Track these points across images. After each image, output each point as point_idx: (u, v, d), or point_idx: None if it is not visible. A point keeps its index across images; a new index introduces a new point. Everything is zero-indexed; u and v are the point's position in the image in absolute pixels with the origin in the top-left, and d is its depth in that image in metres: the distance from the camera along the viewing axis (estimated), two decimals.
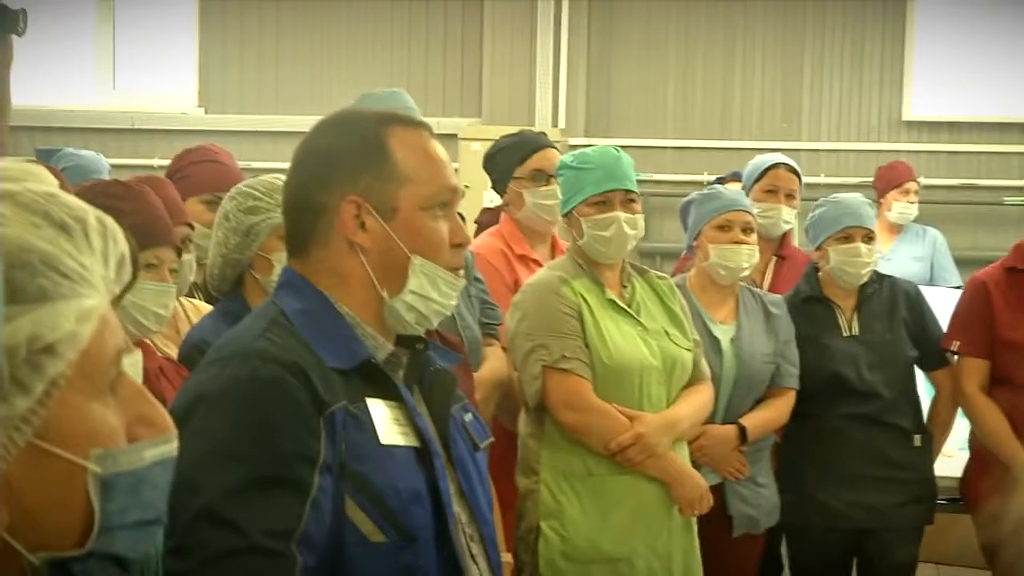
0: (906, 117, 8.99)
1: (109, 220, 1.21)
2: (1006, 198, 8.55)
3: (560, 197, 4.13)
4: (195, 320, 3.66)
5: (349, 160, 2.27)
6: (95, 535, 1.14)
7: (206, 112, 9.62)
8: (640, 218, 4.07)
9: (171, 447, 1.22)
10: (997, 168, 8.70)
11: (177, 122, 9.40)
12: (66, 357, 1.11)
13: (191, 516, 1.97)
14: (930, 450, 4.76)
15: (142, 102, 9.73)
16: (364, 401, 2.19)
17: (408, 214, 2.26)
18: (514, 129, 5.25)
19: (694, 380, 4.06)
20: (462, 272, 2.38)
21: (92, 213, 1.19)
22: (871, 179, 7.24)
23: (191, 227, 3.90)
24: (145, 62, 9.82)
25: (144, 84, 9.81)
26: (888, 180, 7.15)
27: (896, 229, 7.06)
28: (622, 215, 3.97)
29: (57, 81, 9.59)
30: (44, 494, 1.11)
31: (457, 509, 2.28)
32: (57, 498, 1.12)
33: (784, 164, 5.33)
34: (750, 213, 4.58)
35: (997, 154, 8.73)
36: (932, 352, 4.77)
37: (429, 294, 2.28)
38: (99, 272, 1.16)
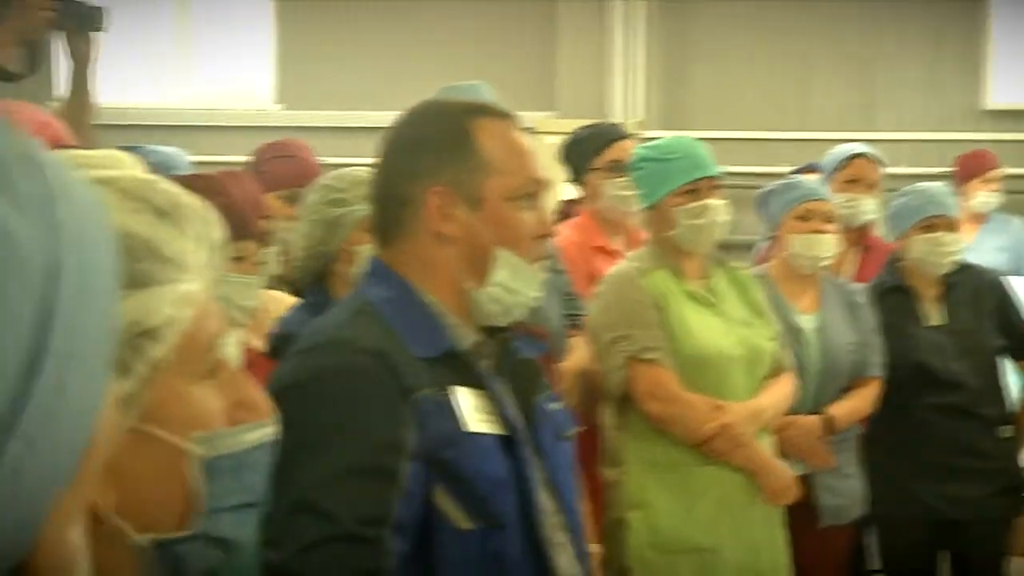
0: (986, 106, 8.87)
1: (206, 205, 1.22)
2: None
3: (639, 190, 4.10)
4: (277, 313, 3.68)
5: (435, 150, 2.29)
6: (198, 517, 1.15)
7: (284, 108, 9.67)
8: (727, 205, 4.05)
9: (271, 431, 1.24)
10: None
11: (255, 118, 9.44)
12: (167, 341, 1.13)
13: (284, 506, 1.99)
14: (1018, 441, 4.71)
15: (221, 99, 9.80)
16: (450, 389, 2.20)
17: (494, 205, 2.27)
18: (589, 122, 5.25)
19: (776, 370, 4.04)
20: (545, 264, 2.39)
21: (189, 199, 1.20)
22: (951, 169, 7.15)
23: (273, 220, 3.92)
24: (223, 59, 9.88)
25: (223, 81, 9.87)
26: (970, 169, 7.05)
27: (979, 219, 6.96)
28: (713, 202, 3.95)
29: (137, 79, 9.68)
30: (148, 477, 1.13)
31: (543, 497, 2.28)
32: (161, 480, 1.14)
33: (865, 154, 5.29)
34: (830, 202, 4.55)
35: None
36: (1019, 342, 4.72)
37: (513, 286, 2.29)
38: (197, 257, 1.17)
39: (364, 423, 2.11)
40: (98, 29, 3.70)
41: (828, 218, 4.47)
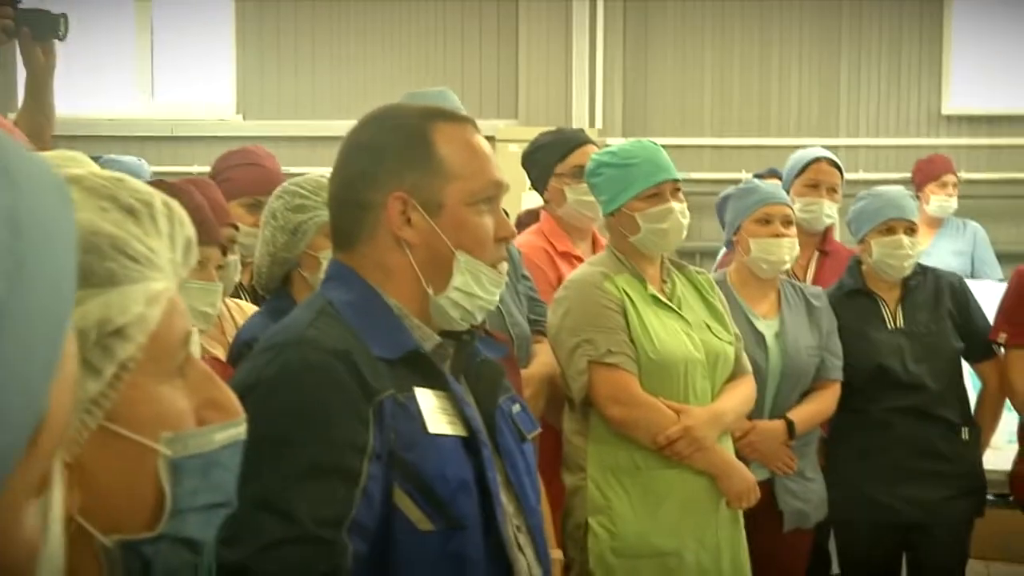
0: (945, 111, 8.94)
1: (175, 204, 1.22)
2: None
3: (600, 196, 4.10)
4: (240, 321, 3.68)
5: (395, 156, 2.29)
6: (166, 518, 1.14)
7: (244, 119, 9.66)
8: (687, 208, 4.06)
9: (240, 430, 1.23)
10: None
11: (216, 129, 9.44)
12: (136, 340, 1.12)
13: (244, 504, 1.98)
14: (978, 443, 4.74)
15: (181, 110, 9.77)
16: (412, 390, 2.21)
17: (454, 209, 2.28)
18: (551, 128, 5.25)
19: (736, 373, 4.04)
20: (505, 267, 2.39)
21: (159, 197, 1.20)
22: (911, 175, 7.20)
23: (236, 228, 3.91)
24: (183, 70, 9.87)
25: (182, 92, 9.85)
26: (925, 173, 7.12)
27: (936, 223, 7.02)
28: (676, 205, 3.96)
29: (96, 90, 9.65)
30: (115, 477, 1.12)
31: (504, 499, 2.29)
32: (128, 481, 1.13)
33: (826, 158, 5.32)
34: (789, 206, 4.58)
35: None
36: (978, 344, 4.75)
37: (473, 290, 2.30)
38: (166, 255, 1.17)
39: (326, 422, 2.10)
40: (57, 37, 3.66)
41: (787, 221, 4.49)
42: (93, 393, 1.09)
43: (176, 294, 1.17)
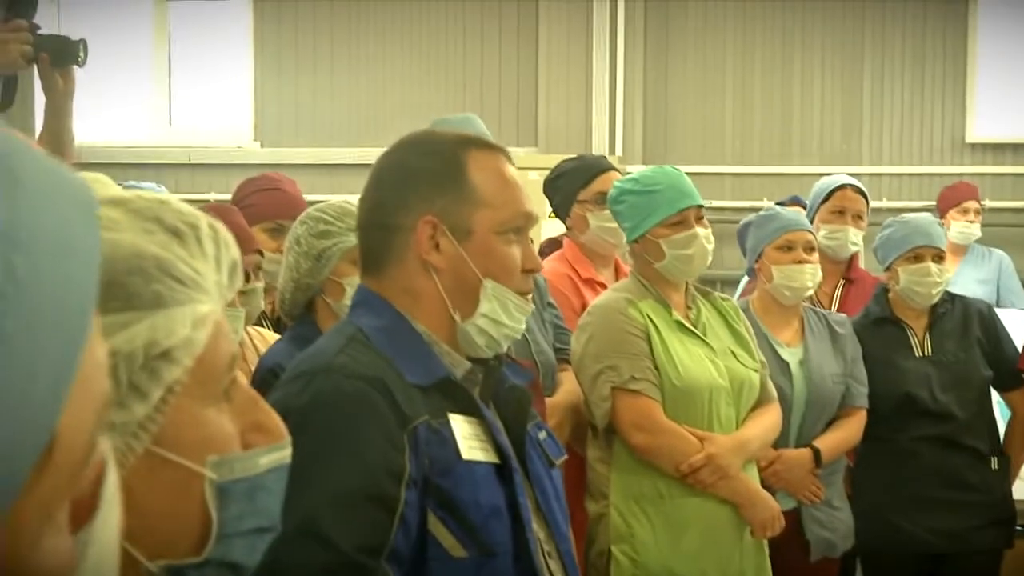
0: (969, 139, 8.90)
1: (221, 226, 1.21)
2: None
3: (624, 223, 4.08)
4: (262, 350, 3.65)
5: (427, 180, 2.29)
6: (212, 542, 1.13)
7: (262, 146, 9.66)
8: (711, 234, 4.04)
9: (285, 454, 1.22)
10: None
11: (233, 156, 9.44)
12: (183, 363, 1.11)
13: (283, 531, 1.96)
14: (1007, 473, 4.70)
15: (198, 137, 9.78)
16: (446, 416, 2.20)
17: (483, 237, 2.28)
18: (572, 155, 5.24)
19: (761, 401, 4.01)
20: (531, 297, 2.39)
21: (204, 219, 1.19)
22: (926, 204, 7.18)
23: (261, 254, 3.89)
24: (200, 97, 9.88)
25: (200, 119, 9.86)
26: (947, 200, 7.10)
27: (960, 251, 6.99)
28: (700, 231, 3.94)
29: (114, 118, 9.67)
30: (161, 501, 1.10)
31: (535, 525, 2.28)
32: (174, 505, 1.11)
33: (851, 185, 5.29)
34: (811, 232, 4.55)
35: None
36: (1008, 372, 4.70)
37: (500, 318, 2.29)
38: (212, 278, 1.16)
39: (363, 449, 2.10)
40: (77, 63, 3.65)
41: (809, 248, 4.46)
42: (140, 416, 1.08)
43: (222, 317, 1.16)
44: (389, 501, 2.08)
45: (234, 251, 1.20)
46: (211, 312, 1.14)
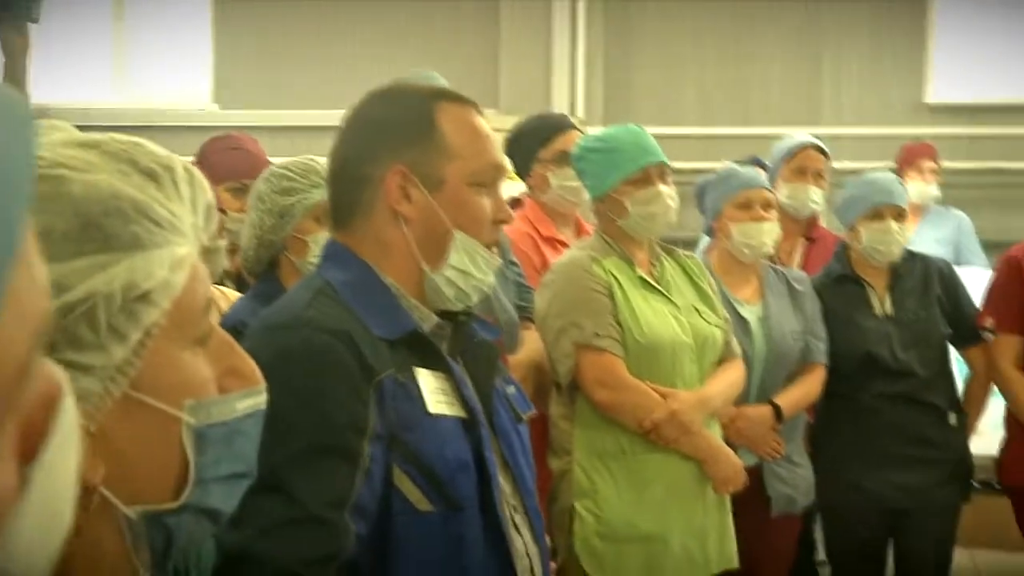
0: (928, 100, 8.94)
1: (195, 169, 1.19)
2: None
3: (587, 181, 4.08)
4: (225, 308, 3.64)
5: (397, 131, 2.29)
6: (190, 488, 1.13)
7: (221, 108, 9.59)
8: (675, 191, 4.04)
9: (261, 399, 1.21)
10: (1019, 151, 8.65)
11: (192, 119, 9.36)
12: (161, 306, 1.10)
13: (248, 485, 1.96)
14: (965, 429, 4.74)
15: (157, 99, 9.71)
16: (412, 370, 2.20)
17: (453, 188, 2.28)
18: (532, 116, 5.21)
19: (725, 357, 4.04)
20: (496, 249, 2.38)
21: (179, 161, 1.17)
22: (887, 164, 7.19)
23: (224, 212, 3.87)
24: (160, 59, 9.80)
25: (159, 81, 9.79)
26: (903, 159, 7.13)
27: (919, 211, 7.01)
28: (663, 188, 3.94)
29: (72, 79, 9.58)
30: (139, 446, 1.10)
31: (501, 480, 2.28)
32: (152, 450, 1.11)
33: (812, 144, 5.30)
34: (768, 189, 4.56)
35: (1019, 137, 8.68)
36: (966, 330, 4.74)
37: (469, 269, 2.30)
38: (189, 220, 1.15)
39: (329, 403, 2.09)
40: (31, 19, 3.61)
41: (767, 205, 4.47)
42: (118, 359, 1.07)
43: (199, 260, 1.15)
44: (353, 455, 2.07)
45: (209, 194, 1.19)
46: (188, 254, 1.13)
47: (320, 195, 3.31)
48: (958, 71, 8.91)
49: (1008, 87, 8.86)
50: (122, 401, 1.07)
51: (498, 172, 2.35)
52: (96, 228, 1.07)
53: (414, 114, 2.29)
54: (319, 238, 3.25)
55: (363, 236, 2.29)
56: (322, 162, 3.34)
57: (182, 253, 1.12)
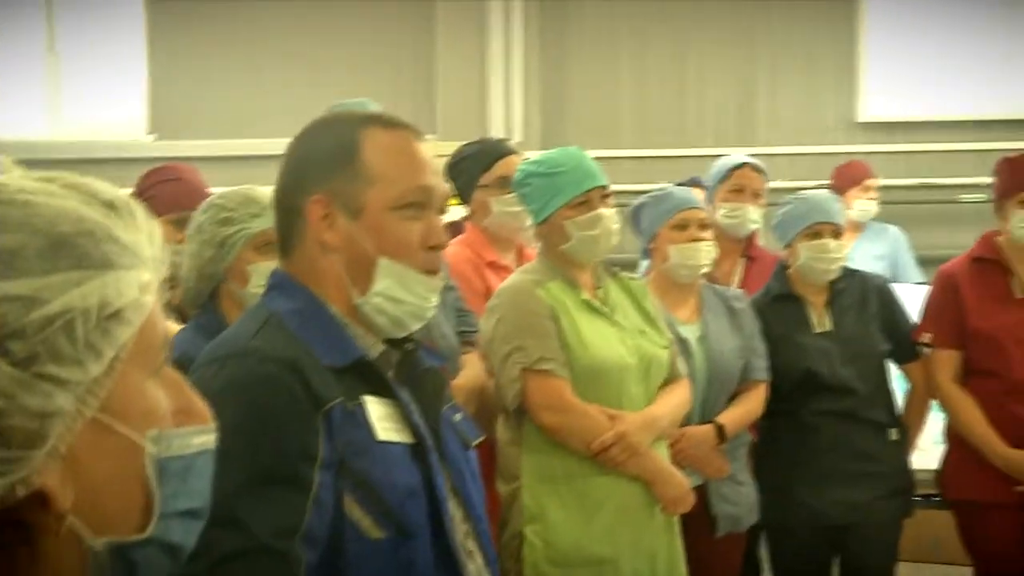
0: (860, 119, 9.02)
1: (141, 205, 1.20)
2: (962, 196, 8.59)
3: (529, 205, 4.08)
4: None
5: (319, 161, 2.30)
6: (155, 521, 1.12)
7: (158, 139, 9.54)
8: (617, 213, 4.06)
9: (211, 438, 1.22)
10: (952, 166, 8.74)
11: (129, 150, 9.30)
12: (133, 324, 1.11)
13: None
14: (906, 443, 4.79)
15: (91, 131, 9.63)
16: (360, 398, 2.20)
17: (375, 214, 2.27)
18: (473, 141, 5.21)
19: (671, 379, 4.05)
20: (441, 275, 2.38)
21: (129, 198, 1.18)
22: (828, 182, 7.26)
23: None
24: (94, 91, 9.73)
25: (94, 113, 9.72)
26: (847, 178, 7.20)
27: (857, 228, 7.09)
28: (605, 212, 3.96)
29: (5, 113, 9.51)
30: (106, 473, 1.09)
31: (451, 506, 2.28)
32: (118, 478, 1.10)
33: (750, 164, 5.35)
34: (703, 209, 4.59)
35: (951, 152, 8.76)
36: (905, 345, 4.79)
37: (398, 296, 2.28)
38: (147, 251, 1.15)
39: (276, 432, 2.09)
40: None
41: (703, 226, 4.50)
42: (93, 375, 1.07)
43: (158, 290, 1.15)
44: (303, 484, 2.07)
45: (159, 228, 1.20)
46: (151, 281, 1.14)
47: (260, 224, 3.31)
48: (889, 89, 8.99)
49: (939, 103, 8.97)
50: (91, 424, 1.07)
51: (428, 195, 2.32)
52: (69, 246, 1.07)
53: (337, 142, 2.30)
54: (260, 268, 3.25)
55: (302, 266, 2.31)
56: (261, 191, 3.35)
57: (147, 278, 1.13)
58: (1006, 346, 4.61)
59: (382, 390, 2.24)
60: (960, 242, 5.37)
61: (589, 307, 3.96)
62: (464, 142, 5.06)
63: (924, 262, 7.15)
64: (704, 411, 4.43)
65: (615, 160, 8.57)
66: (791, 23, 9.07)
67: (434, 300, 2.35)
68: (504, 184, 4.50)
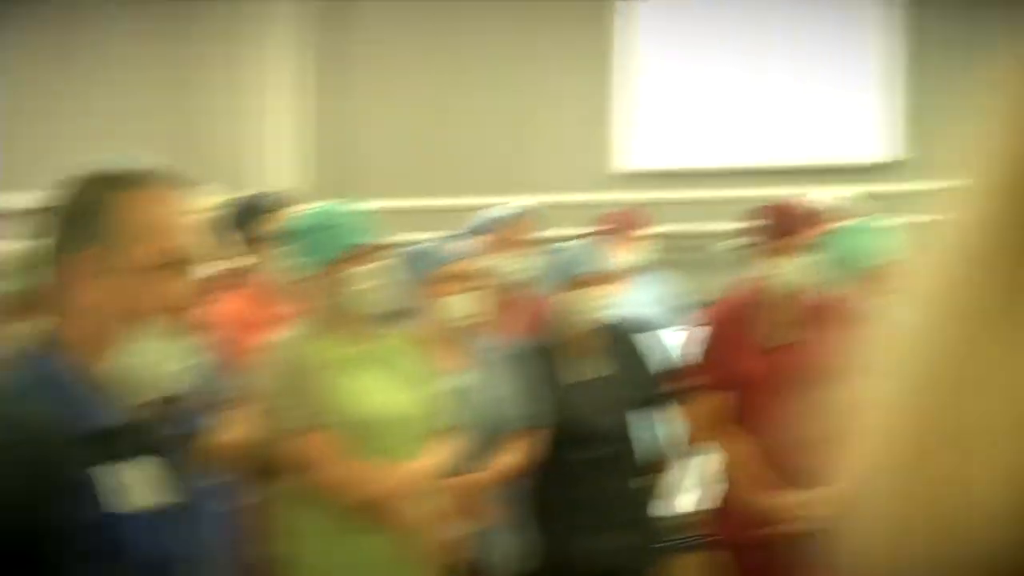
0: (616, 169, 9.27)
1: None
2: (716, 243, 8.82)
3: (302, 258, 4.08)
4: None
5: (69, 223, 2.30)
6: None
7: None
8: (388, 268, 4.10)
9: None
10: (705, 215, 8.97)
11: None
12: None
13: None
14: (665, 488, 4.87)
15: None
16: (106, 463, 2.19)
17: (123, 276, 2.27)
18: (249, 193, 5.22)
19: (441, 429, 4.10)
20: (190, 337, 2.38)
21: None
22: (585, 231, 7.38)
23: None
24: None
25: None
26: (616, 227, 7.31)
27: (626, 276, 7.20)
28: (374, 266, 4.01)
29: None
30: None
31: (198, 572, 2.30)
32: None
33: (517, 214, 5.41)
34: (467, 261, 4.61)
35: (704, 202, 9.02)
36: (665, 389, 4.85)
37: (143, 359, 2.29)
38: None
39: (11, 507, 2.08)
40: None
41: (467, 278, 4.51)
42: None
43: None
44: (41, 558, 2.05)
45: None
46: None
47: (6, 286, 3.27)
48: (644, 139, 9.27)
49: (692, 154, 9.27)
50: None
51: (177, 256, 2.32)
52: None
53: (86, 204, 2.29)
54: (15, 328, 3.19)
55: (60, 327, 2.29)
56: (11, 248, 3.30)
57: None
58: (757, 394, 4.65)
59: (131, 454, 2.23)
60: (716, 288, 5.45)
61: (359, 360, 3.98)
62: (240, 193, 5.04)
63: (682, 308, 7.33)
64: (471, 460, 4.43)
65: (388, 212, 8.64)
66: (544, 71, 9.33)
67: (178, 363, 2.34)
68: (278, 237, 4.50)
